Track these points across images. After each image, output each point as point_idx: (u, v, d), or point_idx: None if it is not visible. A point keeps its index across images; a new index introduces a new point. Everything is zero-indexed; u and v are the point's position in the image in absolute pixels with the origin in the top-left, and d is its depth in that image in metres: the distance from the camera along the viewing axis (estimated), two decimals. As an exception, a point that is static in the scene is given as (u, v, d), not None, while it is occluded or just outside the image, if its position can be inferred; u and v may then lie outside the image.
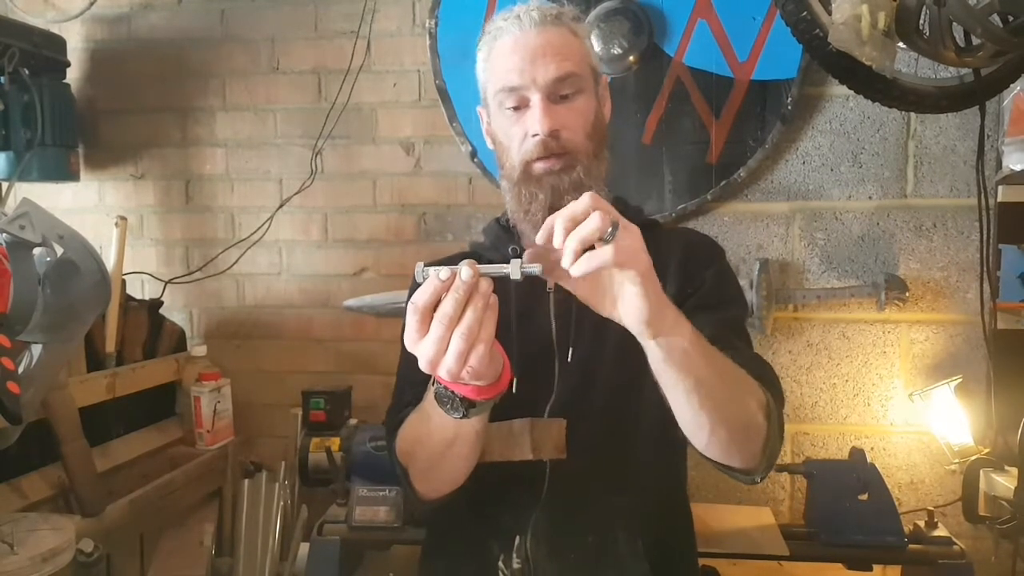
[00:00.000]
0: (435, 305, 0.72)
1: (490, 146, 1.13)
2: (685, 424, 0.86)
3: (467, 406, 0.80)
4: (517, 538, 0.97)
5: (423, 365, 0.74)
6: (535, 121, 1.01)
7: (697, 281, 1.05)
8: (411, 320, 0.74)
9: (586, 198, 0.72)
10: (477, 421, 0.85)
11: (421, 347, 0.73)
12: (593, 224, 0.70)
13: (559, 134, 1.01)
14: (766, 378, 0.94)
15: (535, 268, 0.74)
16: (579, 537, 1.02)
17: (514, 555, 0.96)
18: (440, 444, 0.91)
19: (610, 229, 0.70)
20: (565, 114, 1.02)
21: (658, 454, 1.05)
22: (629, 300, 0.74)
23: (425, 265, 0.75)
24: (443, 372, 0.74)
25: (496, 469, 0.97)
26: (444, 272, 0.73)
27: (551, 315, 1.02)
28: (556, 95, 1.02)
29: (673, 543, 1.10)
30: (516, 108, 1.03)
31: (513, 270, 0.73)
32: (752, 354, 0.99)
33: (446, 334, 0.72)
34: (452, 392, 0.80)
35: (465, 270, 0.72)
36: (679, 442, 0.97)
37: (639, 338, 0.78)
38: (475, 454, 0.93)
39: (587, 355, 1.01)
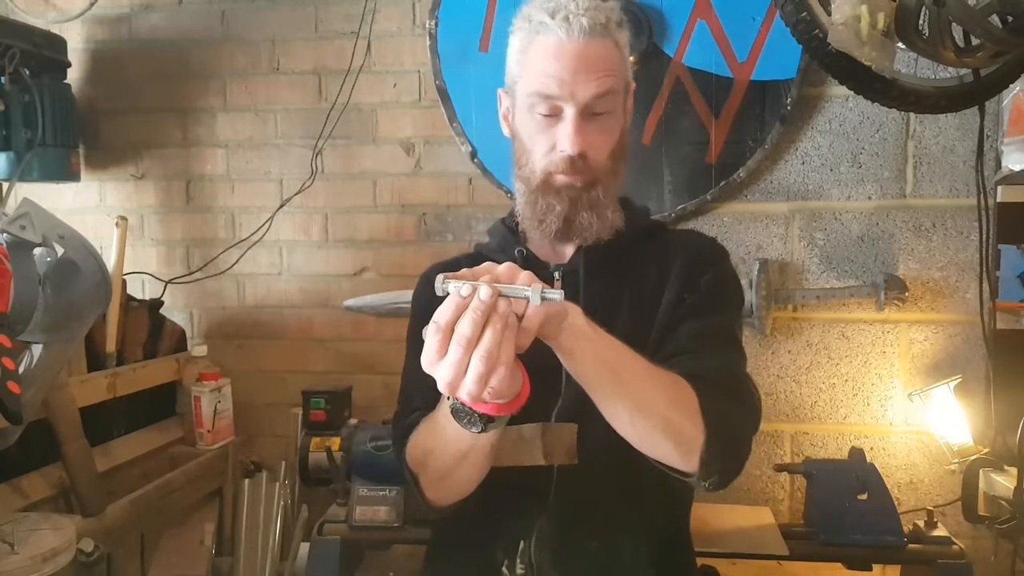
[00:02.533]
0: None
1: (506, 133, 1.10)
2: (614, 423, 0.87)
3: (485, 421, 0.79)
4: (521, 543, 0.96)
5: (442, 388, 0.73)
6: (566, 138, 0.99)
7: (692, 288, 1.04)
8: (431, 340, 0.71)
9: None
10: (493, 434, 0.83)
11: (440, 369, 0.71)
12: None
13: (586, 154, 1.00)
14: (727, 390, 0.92)
15: (556, 295, 0.72)
16: (584, 543, 1.00)
17: (518, 560, 0.95)
18: (454, 456, 0.90)
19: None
20: (595, 134, 1.00)
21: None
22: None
23: (443, 276, 0.72)
24: (463, 394, 0.72)
25: (503, 474, 0.96)
26: (465, 289, 0.70)
27: None
28: (590, 111, 0.99)
29: (676, 549, 1.09)
30: (547, 115, 1.00)
31: (533, 295, 0.71)
32: (719, 365, 0.96)
33: (465, 356, 0.70)
34: (470, 408, 0.78)
35: (484, 290, 0.70)
36: None
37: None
38: (489, 463, 0.92)
39: None
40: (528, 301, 0.72)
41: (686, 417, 0.87)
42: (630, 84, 1.07)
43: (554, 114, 1.00)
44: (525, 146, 1.05)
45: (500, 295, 0.71)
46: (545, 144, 1.01)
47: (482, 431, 0.79)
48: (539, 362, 0.83)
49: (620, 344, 0.85)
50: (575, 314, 0.81)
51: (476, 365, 0.70)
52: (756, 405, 0.98)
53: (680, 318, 1.01)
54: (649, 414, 0.85)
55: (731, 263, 1.12)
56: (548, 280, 1.02)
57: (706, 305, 1.02)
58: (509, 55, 1.07)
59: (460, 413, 0.79)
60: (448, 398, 0.80)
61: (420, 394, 1.01)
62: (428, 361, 0.72)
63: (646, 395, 0.85)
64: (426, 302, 1.13)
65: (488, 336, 0.70)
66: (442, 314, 0.71)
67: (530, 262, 1.06)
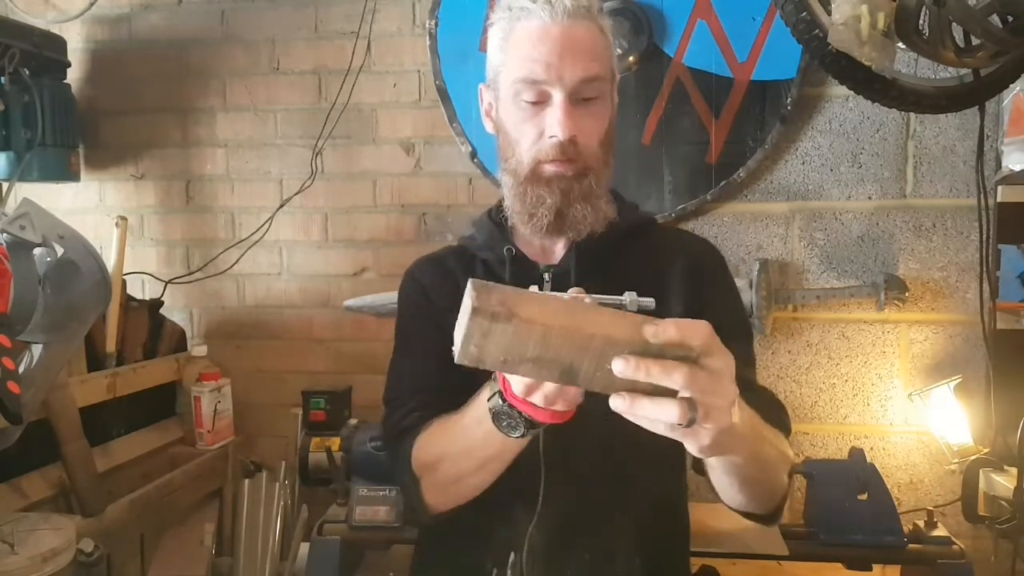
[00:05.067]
0: None
1: (489, 130, 1.07)
2: (720, 490, 0.90)
3: (527, 426, 0.77)
4: (512, 554, 0.94)
5: (518, 389, 0.72)
6: (556, 123, 0.94)
7: (704, 299, 1.02)
8: None
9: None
10: (523, 441, 0.81)
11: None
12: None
13: (576, 140, 0.96)
14: (784, 423, 0.98)
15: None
16: (576, 555, 0.97)
17: (508, 572, 0.93)
18: (478, 460, 0.88)
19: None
20: (585, 119, 0.96)
21: (657, 469, 1.01)
22: (694, 436, 0.65)
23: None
24: (538, 399, 0.71)
25: (491, 483, 0.93)
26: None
27: None
28: (578, 96, 0.95)
29: (671, 559, 1.07)
30: (534, 103, 0.96)
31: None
32: (768, 396, 1.02)
33: None
34: (518, 412, 0.76)
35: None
36: (679, 456, 0.96)
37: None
38: (501, 472, 0.89)
39: None
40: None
41: (782, 486, 0.94)
42: (616, 74, 1.04)
43: (541, 100, 0.96)
44: (511, 137, 1.00)
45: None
46: (533, 132, 0.97)
47: (522, 436, 0.78)
48: None
49: (763, 444, 0.85)
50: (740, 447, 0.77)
51: None
52: (791, 424, 1.08)
53: None
54: (760, 496, 0.91)
55: (728, 268, 1.12)
56: (538, 281, 1.01)
57: (731, 325, 1.00)
58: (489, 47, 1.04)
59: (502, 416, 0.77)
60: (489, 399, 0.79)
61: (415, 395, 0.99)
62: None
63: (764, 486, 0.90)
64: (414, 297, 1.13)
65: None
66: None
67: (519, 261, 1.03)
